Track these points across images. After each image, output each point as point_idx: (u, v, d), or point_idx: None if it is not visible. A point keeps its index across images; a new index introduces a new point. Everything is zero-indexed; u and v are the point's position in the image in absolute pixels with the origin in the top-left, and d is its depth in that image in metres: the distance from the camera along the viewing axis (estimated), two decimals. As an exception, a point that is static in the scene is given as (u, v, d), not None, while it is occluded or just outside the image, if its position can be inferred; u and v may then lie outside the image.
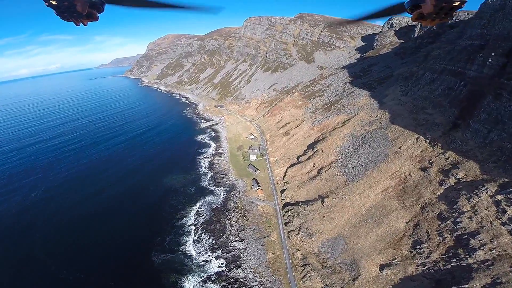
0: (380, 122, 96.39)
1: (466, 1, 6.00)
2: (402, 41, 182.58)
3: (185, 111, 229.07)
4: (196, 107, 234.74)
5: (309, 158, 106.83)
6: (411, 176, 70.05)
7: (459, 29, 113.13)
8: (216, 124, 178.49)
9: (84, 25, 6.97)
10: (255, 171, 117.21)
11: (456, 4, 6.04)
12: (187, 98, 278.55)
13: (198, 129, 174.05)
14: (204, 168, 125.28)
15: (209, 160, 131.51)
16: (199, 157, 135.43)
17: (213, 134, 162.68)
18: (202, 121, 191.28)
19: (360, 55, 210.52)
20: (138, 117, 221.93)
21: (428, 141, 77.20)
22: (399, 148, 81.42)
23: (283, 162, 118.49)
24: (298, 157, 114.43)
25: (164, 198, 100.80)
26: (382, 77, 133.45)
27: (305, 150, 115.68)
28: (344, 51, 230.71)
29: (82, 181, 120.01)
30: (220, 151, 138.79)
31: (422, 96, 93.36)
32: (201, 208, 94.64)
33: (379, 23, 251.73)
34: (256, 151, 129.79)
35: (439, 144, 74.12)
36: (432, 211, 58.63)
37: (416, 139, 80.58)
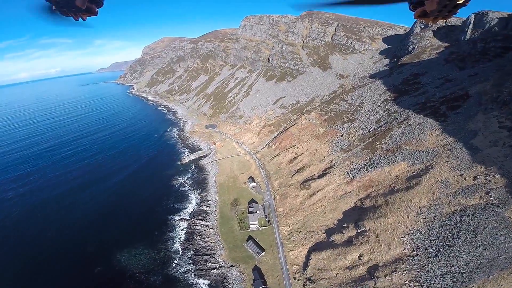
0: (488, 193, 50.85)
1: None
2: (448, 44, 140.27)
3: (169, 132, 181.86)
4: (183, 127, 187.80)
5: (350, 241, 61.57)
6: None
7: None
8: (205, 156, 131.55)
9: (83, 19, 6.82)
10: (258, 252, 72.62)
11: (460, 1, 5.92)
12: (174, 113, 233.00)
13: (179, 165, 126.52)
14: (179, 240, 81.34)
15: (187, 224, 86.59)
16: (174, 217, 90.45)
17: (198, 175, 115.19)
18: (186, 150, 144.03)
19: (388, 60, 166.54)
20: (110, 150, 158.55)
21: None
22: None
23: (303, 237, 73.19)
24: (328, 233, 69.18)
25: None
26: (449, 97, 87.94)
27: (340, 221, 70.30)
28: (366, 54, 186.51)
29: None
30: (205, 207, 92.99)
31: None
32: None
33: (401, 23, 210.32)
34: (259, 212, 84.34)
35: None
36: None
37: None
